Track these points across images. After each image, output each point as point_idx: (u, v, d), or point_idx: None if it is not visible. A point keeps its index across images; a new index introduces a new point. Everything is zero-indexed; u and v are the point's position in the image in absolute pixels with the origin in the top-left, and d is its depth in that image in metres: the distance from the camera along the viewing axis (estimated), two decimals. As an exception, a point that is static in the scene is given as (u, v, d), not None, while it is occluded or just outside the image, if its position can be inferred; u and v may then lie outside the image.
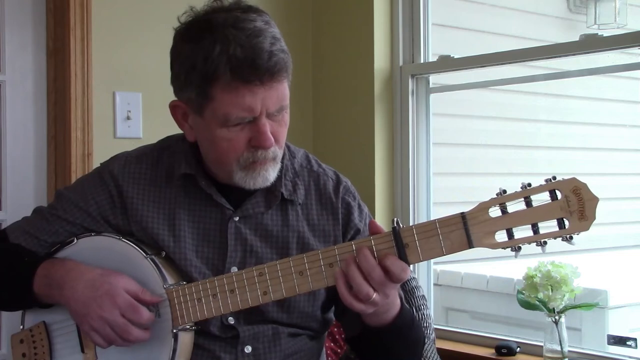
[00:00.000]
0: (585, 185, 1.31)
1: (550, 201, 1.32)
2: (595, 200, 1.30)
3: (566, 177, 1.32)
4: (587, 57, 2.39)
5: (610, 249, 3.76)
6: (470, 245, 1.35)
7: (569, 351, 2.28)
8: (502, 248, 1.35)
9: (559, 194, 1.31)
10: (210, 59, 1.43)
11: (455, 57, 2.68)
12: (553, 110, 4.00)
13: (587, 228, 1.31)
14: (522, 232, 1.34)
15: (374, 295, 1.38)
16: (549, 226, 1.32)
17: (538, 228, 1.33)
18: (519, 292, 2.33)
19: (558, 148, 4.02)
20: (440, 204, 3.04)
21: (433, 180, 2.78)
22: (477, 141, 3.78)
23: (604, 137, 4.14)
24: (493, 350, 2.46)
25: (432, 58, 2.77)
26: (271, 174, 1.53)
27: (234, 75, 1.42)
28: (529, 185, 1.33)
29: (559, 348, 2.26)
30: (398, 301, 1.50)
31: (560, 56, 2.44)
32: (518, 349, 2.43)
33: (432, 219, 2.69)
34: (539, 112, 3.95)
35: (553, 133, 4.05)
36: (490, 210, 1.34)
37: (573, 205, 1.30)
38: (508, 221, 1.34)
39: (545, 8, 4.04)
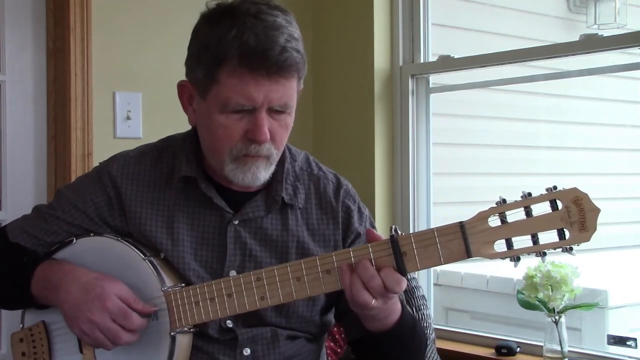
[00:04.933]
0: (586, 195, 1.29)
1: (550, 211, 1.30)
2: (596, 211, 1.28)
3: (567, 187, 1.30)
4: (587, 57, 2.39)
5: (610, 249, 3.74)
6: (468, 254, 1.34)
7: (569, 351, 2.28)
8: (501, 258, 1.34)
9: (559, 204, 1.29)
10: (224, 41, 1.43)
11: (455, 57, 2.68)
12: (553, 110, 3.99)
13: (587, 239, 1.29)
14: (522, 241, 1.32)
15: (372, 302, 1.37)
16: (549, 236, 1.31)
17: (538, 238, 1.31)
18: (519, 292, 2.33)
19: (558, 148, 4.01)
20: (440, 204, 3.04)
21: (433, 180, 2.78)
22: (477, 141, 3.78)
23: (604, 137, 4.13)
24: (493, 350, 2.46)
25: (432, 58, 2.77)
26: (262, 172, 1.51)
27: (242, 61, 1.42)
28: (529, 194, 1.31)
29: (559, 348, 2.26)
30: (399, 306, 1.49)
31: (560, 56, 2.44)
32: (518, 349, 2.43)
33: (432, 218, 2.75)
34: (539, 112, 3.95)
35: (553, 133, 4.05)
36: (490, 219, 1.33)
37: (574, 216, 1.29)
38: (507, 231, 1.32)
39: (545, 8, 4.04)
